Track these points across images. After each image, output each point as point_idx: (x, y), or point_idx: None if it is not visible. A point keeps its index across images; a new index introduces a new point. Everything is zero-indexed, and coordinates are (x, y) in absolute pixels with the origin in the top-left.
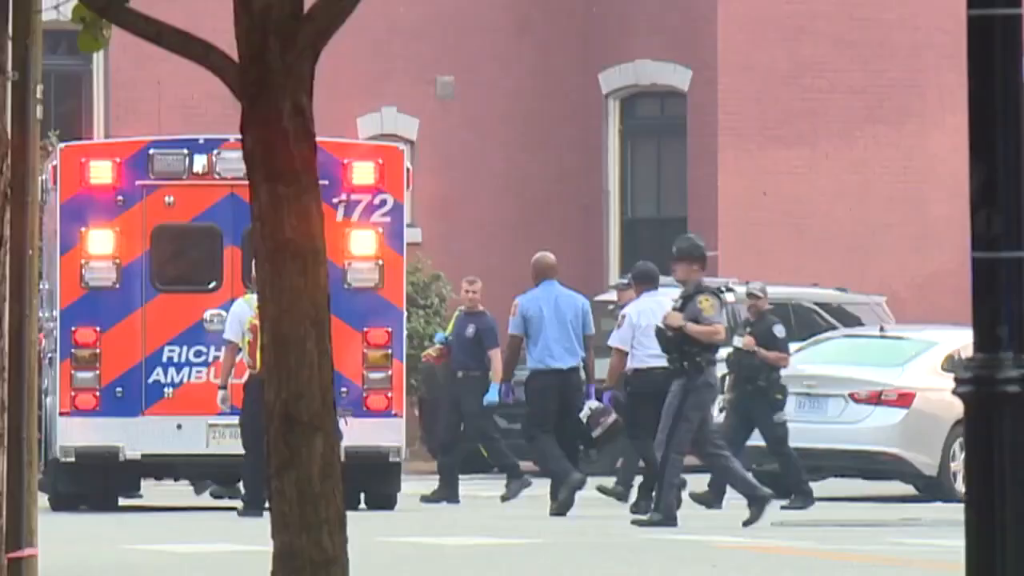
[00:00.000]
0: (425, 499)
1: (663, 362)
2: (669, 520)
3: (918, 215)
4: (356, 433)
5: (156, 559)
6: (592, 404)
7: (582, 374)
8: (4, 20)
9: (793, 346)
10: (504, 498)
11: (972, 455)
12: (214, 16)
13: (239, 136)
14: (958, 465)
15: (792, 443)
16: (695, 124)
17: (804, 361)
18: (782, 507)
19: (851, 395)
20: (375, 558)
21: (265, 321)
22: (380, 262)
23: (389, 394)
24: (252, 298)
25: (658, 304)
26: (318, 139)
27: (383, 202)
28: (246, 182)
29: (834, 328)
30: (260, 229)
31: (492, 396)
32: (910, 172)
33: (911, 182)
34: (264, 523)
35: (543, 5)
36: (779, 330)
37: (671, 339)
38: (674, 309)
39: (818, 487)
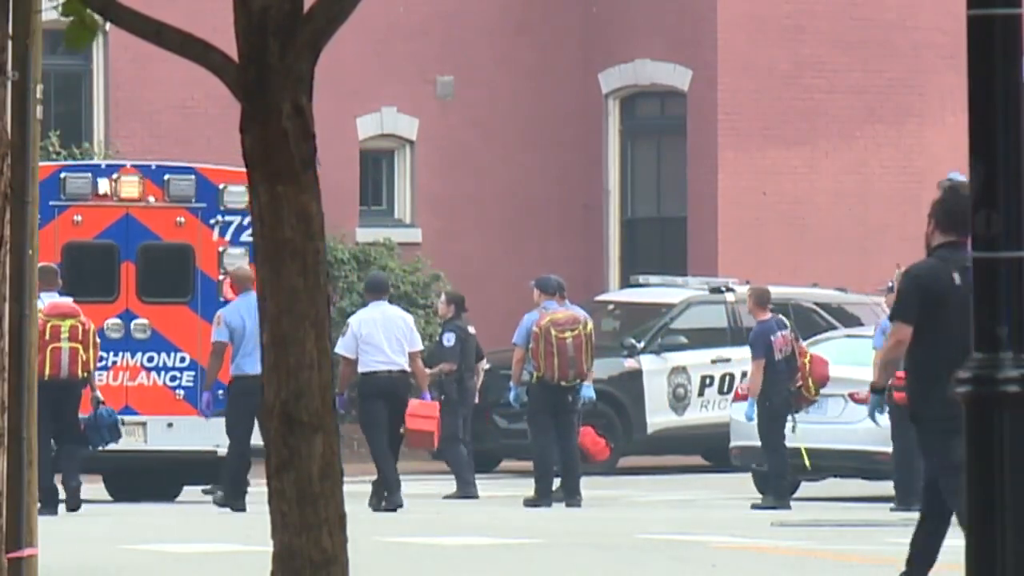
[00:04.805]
0: (755, 506)
1: (389, 366)
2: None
3: (918, 215)
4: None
5: (156, 559)
6: None
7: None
8: (4, 20)
9: None
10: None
11: (972, 455)
12: (214, 16)
13: (135, 163)
14: None
15: (792, 443)
16: (695, 124)
17: None
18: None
19: (851, 395)
20: (375, 558)
21: (264, 321)
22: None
23: None
24: None
25: (382, 313)
26: (196, 166)
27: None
28: (141, 204)
29: (834, 328)
30: (259, 228)
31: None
32: (910, 172)
33: (911, 182)
34: (264, 523)
35: (543, 5)
36: None
37: None
38: None
39: (818, 487)
